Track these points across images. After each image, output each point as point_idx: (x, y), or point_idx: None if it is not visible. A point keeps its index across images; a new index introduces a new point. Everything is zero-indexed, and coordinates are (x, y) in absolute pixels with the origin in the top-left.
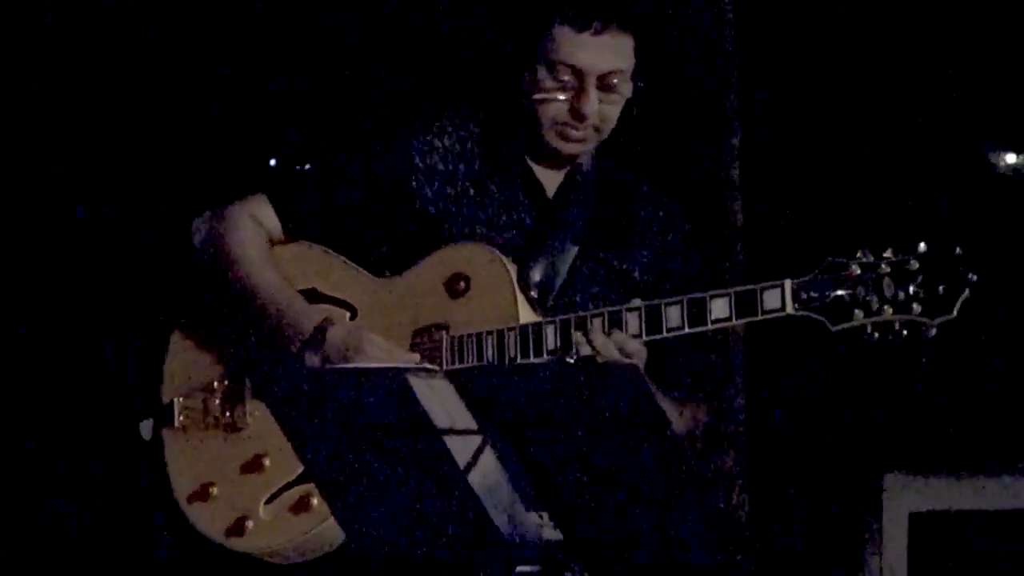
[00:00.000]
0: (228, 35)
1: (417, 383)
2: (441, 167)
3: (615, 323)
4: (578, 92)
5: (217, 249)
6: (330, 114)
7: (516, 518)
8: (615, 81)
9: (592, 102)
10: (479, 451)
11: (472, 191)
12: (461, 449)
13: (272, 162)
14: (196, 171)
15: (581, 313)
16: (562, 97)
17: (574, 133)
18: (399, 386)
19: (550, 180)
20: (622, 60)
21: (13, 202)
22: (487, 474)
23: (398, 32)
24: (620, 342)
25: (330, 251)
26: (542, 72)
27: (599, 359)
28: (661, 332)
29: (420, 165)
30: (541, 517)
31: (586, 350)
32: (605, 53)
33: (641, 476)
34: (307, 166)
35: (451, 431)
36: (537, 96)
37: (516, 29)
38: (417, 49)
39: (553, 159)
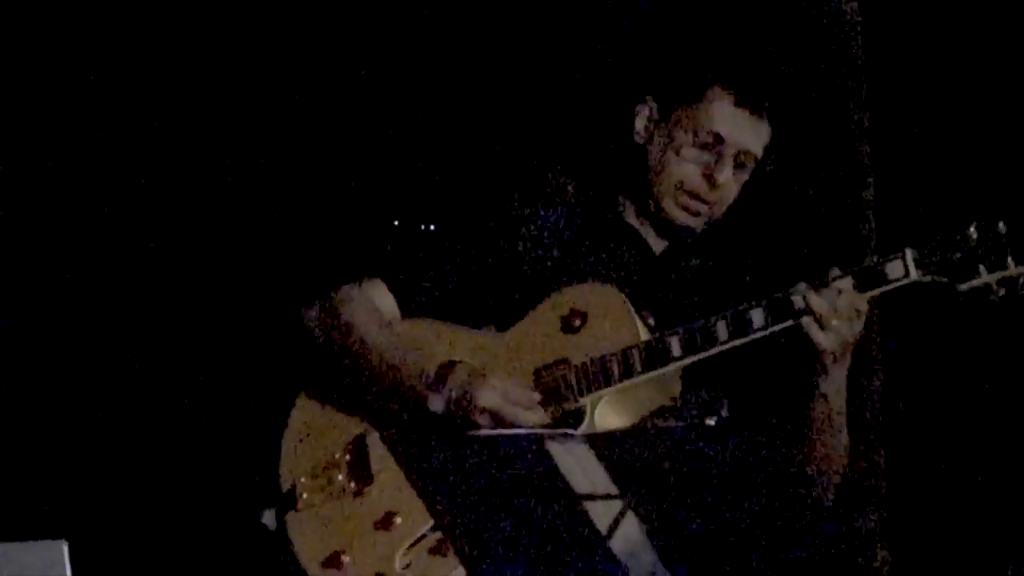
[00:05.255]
0: (334, 121)
1: (556, 448)
2: (547, 233)
3: (737, 321)
4: (715, 160)
5: (334, 321)
6: (437, 187)
7: None
8: (746, 164)
9: (727, 172)
10: (621, 515)
11: (581, 251)
12: (602, 513)
13: (396, 223)
14: (305, 255)
15: (704, 321)
16: (700, 161)
17: (694, 204)
18: (538, 451)
19: (654, 241)
20: (761, 145)
21: (128, 287)
22: (629, 538)
23: (499, 100)
24: (852, 302)
25: (443, 323)
26: (682, 133)
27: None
28: (786, 320)
29: (527, 232)
30: None
31: (826, 310)
32: (753, 133)
33: (783, 537)
34: (415, 241)
35: (592, 496)
36: (680, 154)
37: (669, 86)
38: (523, 113)
39: (660, 226)
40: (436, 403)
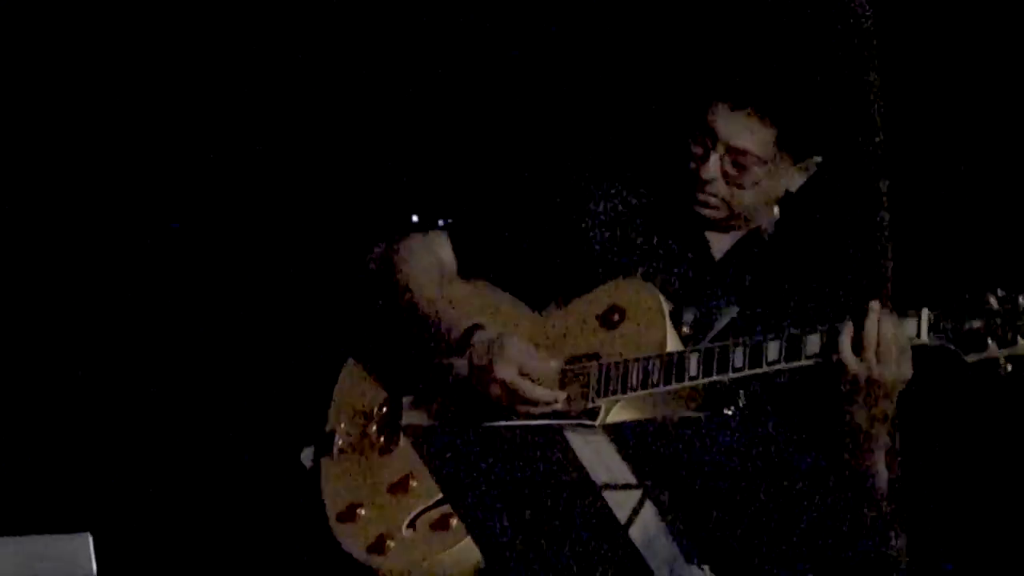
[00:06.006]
0: (410, 95)
1: (575, 438)
2: (613, 215)
3: (754, 352)
4: (706, 154)
5: (390, 271)
6: (510, 162)
7: (678, 571)
8: (744, 163)
9: (710, 167)
10: (639, 505)
11: (640, 240)
12: (621, 504)
13: (415, 218)
14: (379, 213)
15: (724, 343)
16: (695, 156)
17: (700, 196)
18: (558, 441)
19: (718, 242)
20: (754, 143)
21: (201, 242)
22: (648, 528)
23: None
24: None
25: (496, 288)
26: (694, 138)
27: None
28: (799, 359)
29: (594, 209)
30: (703, 569)
31: (872, 336)
32: (738, 129)
33: (803, 527)
34: (483, 201)
35: (611, 486)
36: (690, 150)
37: (683, 101)
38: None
39: (703, 222)
40: (460, 368)
